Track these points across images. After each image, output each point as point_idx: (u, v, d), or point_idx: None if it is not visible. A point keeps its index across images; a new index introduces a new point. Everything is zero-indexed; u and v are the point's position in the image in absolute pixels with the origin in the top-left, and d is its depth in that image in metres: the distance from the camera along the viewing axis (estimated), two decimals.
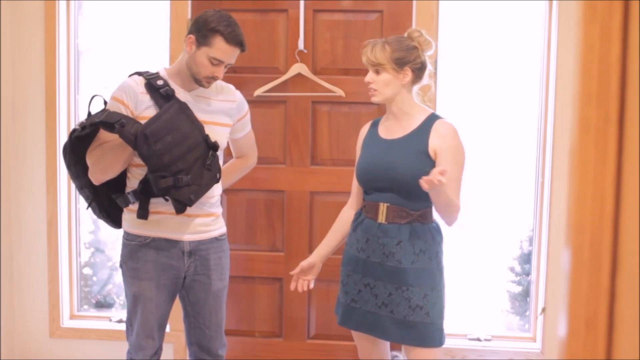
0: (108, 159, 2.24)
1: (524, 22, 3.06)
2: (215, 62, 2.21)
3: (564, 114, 2.90)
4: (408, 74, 2.25)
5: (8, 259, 3.17)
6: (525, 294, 3.17)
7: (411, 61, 2.24)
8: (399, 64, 2.23)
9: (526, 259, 3.17)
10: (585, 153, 0.79)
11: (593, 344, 0.80)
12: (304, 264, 2.42)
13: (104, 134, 2.20)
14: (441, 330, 2.28)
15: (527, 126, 3.08)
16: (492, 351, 3.04)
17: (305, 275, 2.43)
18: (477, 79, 3.10)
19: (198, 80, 2.26)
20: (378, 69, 2.24)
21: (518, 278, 3.20)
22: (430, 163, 2.21)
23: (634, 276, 0.74)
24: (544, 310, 2.98)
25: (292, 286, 2.44)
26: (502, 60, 3.08)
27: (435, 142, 2.22)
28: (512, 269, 3.21)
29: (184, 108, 2.21)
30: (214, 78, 2.26)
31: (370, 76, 2.27)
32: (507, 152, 3.14)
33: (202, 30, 2.21)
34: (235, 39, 2.21)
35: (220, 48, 2.20)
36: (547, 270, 2.97)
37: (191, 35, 2.23)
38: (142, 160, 2.15)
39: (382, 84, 2.25)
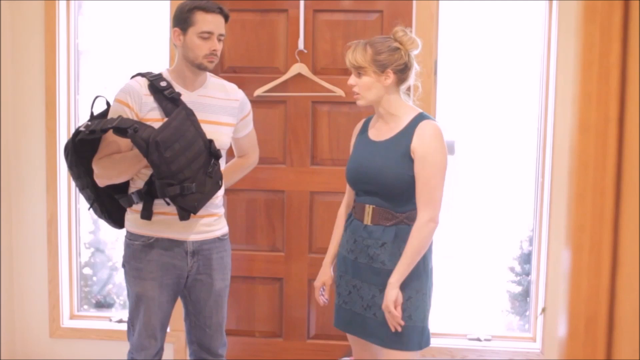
0: (118, 169, 2.25)
1: (524, 22, 3.06)
2: (205, 35, 2.24)
3: (564, 114, 2.89)
4: (390, 76, 2.19)
5: (8, 259, 3.17)
6: (525, 294, 3.17)
7: (393, 63, 2.18)
8: (380, 66, 2.18)
9: (526, 259, 3.17)
10: (585, 153, 0.79)
11: (593, 344, 0.80)
12: (317, 285, 2.43)
13: (111, 137, 2.20)
14: (422, 334, 2.22)
15: (527, 126, 3.08)
16: (492, 351, 3.04)
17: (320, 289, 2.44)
18: (477, 79, 3.10)
19: (200, 64, 2.26)
20: (360, 71, 2.20)
21: (518, 278, 3.20)
22: (412, 165, 2.18)
23: (634, 276, 0.74)
24: (544, 310, 2.98)
25: (321, 302, 2.43)
26: (502, 60, 3.08)
27: (416, 143, 2.17)
28: (512, 269, 3.21)
29: (190, 114, 2.22)
30: (214, 53, 2.26)
31: (352, 79, 2.23)
32: (507, 151, 3.14)
33: (180, 18, 2.26)
34: (213, 7, 2.25)
35: (203, 20, 2.23)
36: (547, 270, 2.97)
37: (175, 29, 2.28)
38: (152, 167, 2.14)
39: (364, 88, 2.21)
